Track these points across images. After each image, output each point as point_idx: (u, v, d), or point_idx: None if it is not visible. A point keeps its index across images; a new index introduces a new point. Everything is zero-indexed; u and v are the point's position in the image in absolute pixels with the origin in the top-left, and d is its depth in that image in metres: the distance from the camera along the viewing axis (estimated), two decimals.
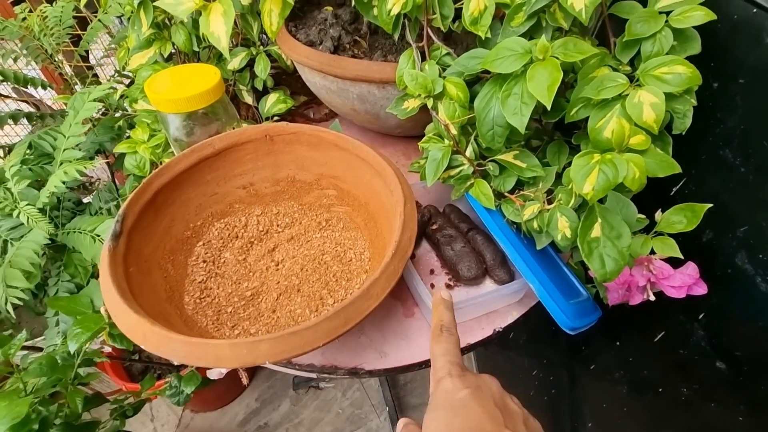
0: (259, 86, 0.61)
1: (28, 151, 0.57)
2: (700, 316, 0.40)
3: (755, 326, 0.34)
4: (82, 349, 0.42)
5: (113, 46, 0.75)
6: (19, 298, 0.44)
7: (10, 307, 0.40)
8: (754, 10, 0.33)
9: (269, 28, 0.42)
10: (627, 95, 0.33)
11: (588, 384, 0.61)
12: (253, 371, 1.26)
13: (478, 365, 1.22)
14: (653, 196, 0.45)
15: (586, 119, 0.36)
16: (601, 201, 0.37)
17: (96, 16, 0.70)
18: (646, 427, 0.49)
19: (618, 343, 0.52)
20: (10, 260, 0.41)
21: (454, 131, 0.40)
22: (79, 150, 0.51)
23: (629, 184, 0.29)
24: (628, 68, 0.37)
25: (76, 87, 0.78)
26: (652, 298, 0.36)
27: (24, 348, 0.54)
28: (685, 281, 0.34)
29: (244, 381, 0.61)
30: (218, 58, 0.63)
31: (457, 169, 0.42)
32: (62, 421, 0.45)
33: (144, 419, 1.19)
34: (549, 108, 0.31)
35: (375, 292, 0.32)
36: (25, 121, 0.72)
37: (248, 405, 1.21)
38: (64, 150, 0.49)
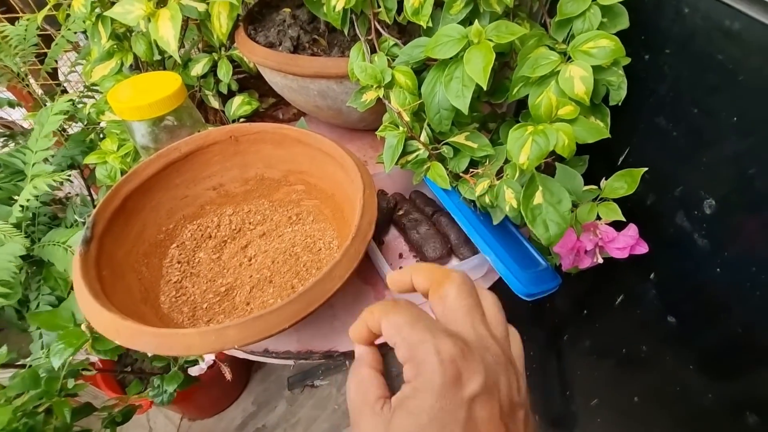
0: (225, 90, 0.62)
1: None
2: (651, 276, 0.42)
3: (696, 280, 0.37)
4: (66, 363, 0.43)
5: (80, 61, 0.76)
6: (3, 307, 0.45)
7: None
8: None
9: (219, 31, 0.43)
10: (559, 71, 0.35)
11: (563, 354, 0.64)
12: (248, 374, 1.27)
13: None
14: (604, 167, 0.48)
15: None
16: (552, 174, 0.39)
17: (60, 33, 0.70)
18: (614, 388, 0.52)
19: (585, 312, 0.55)
20: None
21: (406, 118, 0.42)
22: (49, 164, 0.52)
23: (560, 150, 0.31)
24: (564, 46, 0.39)
25: (46, 105, 0.78)
26: (600, 260, 0.38)
27: (14, 366, 0.55)
28: (627, 242, 0.36)
29: (227, 376, 0.62)
30: (184, 65, 0.64)
31: (414, 154, 0.43)
32: None
33: (141, 430, 1.19)
34: (486, 88, 0.33)
35: (337, 274, 0.34)
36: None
37: (245, 409, 1.22)
38: (34, 164, 0.50)
